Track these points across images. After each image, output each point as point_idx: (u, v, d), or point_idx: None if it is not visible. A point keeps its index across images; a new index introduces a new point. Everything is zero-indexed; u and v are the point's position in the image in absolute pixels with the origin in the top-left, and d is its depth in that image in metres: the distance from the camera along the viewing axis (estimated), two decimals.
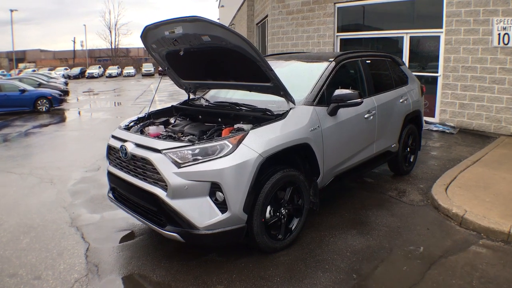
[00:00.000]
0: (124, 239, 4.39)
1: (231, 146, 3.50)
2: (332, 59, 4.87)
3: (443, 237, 4.24)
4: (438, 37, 10.03)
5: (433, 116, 10.46)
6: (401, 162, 6.14)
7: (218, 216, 3.45)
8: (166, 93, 23.46)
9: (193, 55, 4.33)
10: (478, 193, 5.15)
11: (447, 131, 9.54)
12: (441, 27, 9.87)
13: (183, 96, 5.38)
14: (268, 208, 3.78)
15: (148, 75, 52.86)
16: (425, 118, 10.15)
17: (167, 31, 4.10)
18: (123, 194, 4.20)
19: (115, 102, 21.32)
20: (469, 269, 3.59)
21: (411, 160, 6.47)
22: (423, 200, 5.29)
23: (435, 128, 9.77)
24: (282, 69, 5.22)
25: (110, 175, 4.35)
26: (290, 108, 4.10)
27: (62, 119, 14.94)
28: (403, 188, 5.73)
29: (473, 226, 4.38)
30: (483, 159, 6.79)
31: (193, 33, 3.90)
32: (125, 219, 4.81)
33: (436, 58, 10.21)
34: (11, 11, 53.17)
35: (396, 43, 11.33)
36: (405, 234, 4.31)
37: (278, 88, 4.06)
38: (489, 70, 9.13)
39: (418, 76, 7.94)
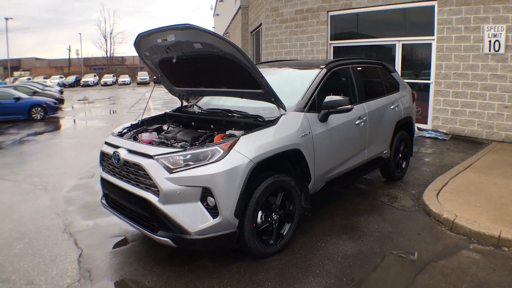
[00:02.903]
0: (117, 245, 4.41)
1: (222, 151, 3.54)
2: (323, 66, 4.93)
3: (434, 241, 4.28)
4: (430, 44, 10.15)
5: (425, 122, 10.54)
6: (393, 168, 6.18)
7: (210, 221, 3.48)
8: (161, 101, 23.50)
9: (185, 62, 4.37)
10: (469, 198, 5.20)
11: (439, 137, 9.61)
12: (433, 35, 9.98)
13: (177, 104, 5.43)
14: (260, 213, 3.82)
15: (144, 83, 52.90)
16: (418, 125, 10.23)
17: (160, 39, 4.15)
18: (116, 200, 4.23)
19: (110, 110, 21.32)
20: (459, 273, 3.62)
21: (403, 166, 6.52)
22: (414, 205, 5.33)
23: (427, 135, 9.84)
24: (274, 76, 5.29)
25: (103, 181, 4.38)
26: (281, 115, 4.15)
27: (57, 127, 14.94)
28: (395, 194, 5.77)
29: (464, 230, 4.42)
30: (474, 165, 6.85)
31: (185, 41, 3.95)
32: (118, 225, 4.83)
33: (428, 65, 10.32)
34: (6, 19, 52.95)
35: (388, 50, 11.43)
36: (396, 239, 4.34)
37: (269, 95, 4.11)
38: (481, 77, 9.23)
39: (410, 83, 8.03)
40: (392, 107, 5.93)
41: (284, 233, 4.10)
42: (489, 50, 9.00)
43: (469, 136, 9.62)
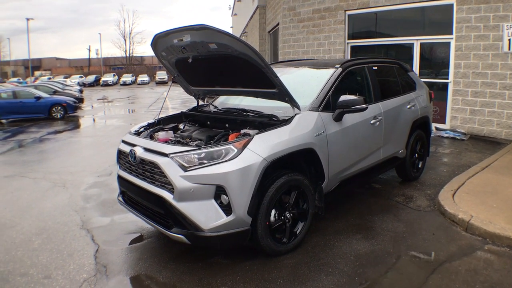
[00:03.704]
0: (132, 241, 4.50)
1: (236, 150, 3.58)
2: (339, 66, 4.94)
3: (448, 242, 4.25)
4: (448, 43, 10.04)
5: (444, 122, 10.44)
6: (409, 168, 6.14)
7: (223, 219, 3.53)
8: (179, 100, 23.69)
9: (201, 62, 4.44)
10: (486, 199, 5.14)
11: (457, 137, 9.50)
12: (451, 33, 9.88)
13: (195, 103, 5.50)
14: (273, 211, 3.85)
15: (162, 83, 53.26)
16: (436, 125, 10.15)
17: (176, 39, 4.21)
18: (132, 197, 4.31)
19: (129, 109, 21.58)
20: (472, 274, 3.60)
21: (419, 166, 6.47)
22: (430, 205, 5.29)
23: (445, 135, 9.74)
24: (290, 76, 5.32)
25: (120, 179, 4.47)
26: (296, 114, 4.18)
27: (76, 126, 15.19)
28: (410, 194, 5.74)
29: (479, 231, 4.38)
30: (492, 165, 6.77)
31: (200, 41, 4.01)
32: (134, 222, 4.91)
33: (447, 65, 10.21)
34: (27, 20, 53.97)
35: (406, 49, 11.35)
36: (410, 239, 4.33)
37: (283, 94, 4.14)
38: (500, 76, 9.10)
39: (428, 83, 7.97)
40: (408, 106, 5.90)
41: (298, 232, 4.12)
42: (509, 49, 8.86)
43: (487, 136, 9.49)
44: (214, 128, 4.70)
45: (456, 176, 6.19)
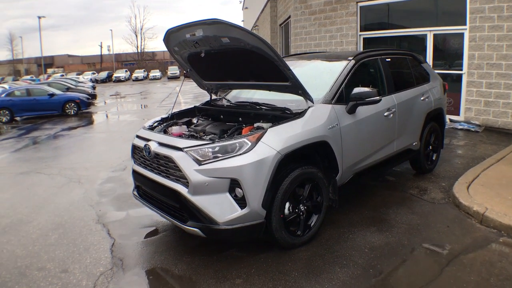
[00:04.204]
0: (148, 235, 4.54)
1: (250, 144, 3.59)
2: (351, 58, 4.90)
3: (463, 234, 4.22)
4: (462, 34, 9.91)
5: (458, 114, 10.32)
6: (423, 160, 6.11)
7: (238, 212, 3.55)
8: (192, 95, 23.77)
9: (213, 56, 4.44)
10: (501, 191, 5.09)
11: (472, 129, 9.40)
12: (465, 24, 9.74)
13: (207, 97, 5.52)
14: (287, 204, 3.86)
15: (174, 77, 53.40)
16: (450, 117, 10.05)
17: (188, 34, 4.22)
18: (147, 192, 4.35)
19: (141, 105, 21.72)
20: (487, 266, 3.58)
21: (434, 158, 6.42)
22: (444, 198, 5.26)
23: (460, 127, 9.64)
24: (303, 69, 5.30)
25: (135, 173, 4.51)
26: (309, 107, 4.17)
27: (90, 122, 15.33)
28: (424, 186, 5.70)
29: (494, 224, 4.35)
30: (507, 157, 6.69)
31: (213, 35, 4.01)
32: (149, 216, 4.96)
33: (460, 56, 10.08)
34: (39, 18, 54.29)
35: (419, 41, 11.23)
36: (425, 232, 4.31)
37: (296, 87, 4.14)
38: None
39: (442, 74, 7.89)
40: (422, 98, 5.85)
41: (312, 224, 4.13)
42: None
43: (502, 127, 9.37)
44: (227, 122, 4.72)
45: (471, 168, 6.14)
